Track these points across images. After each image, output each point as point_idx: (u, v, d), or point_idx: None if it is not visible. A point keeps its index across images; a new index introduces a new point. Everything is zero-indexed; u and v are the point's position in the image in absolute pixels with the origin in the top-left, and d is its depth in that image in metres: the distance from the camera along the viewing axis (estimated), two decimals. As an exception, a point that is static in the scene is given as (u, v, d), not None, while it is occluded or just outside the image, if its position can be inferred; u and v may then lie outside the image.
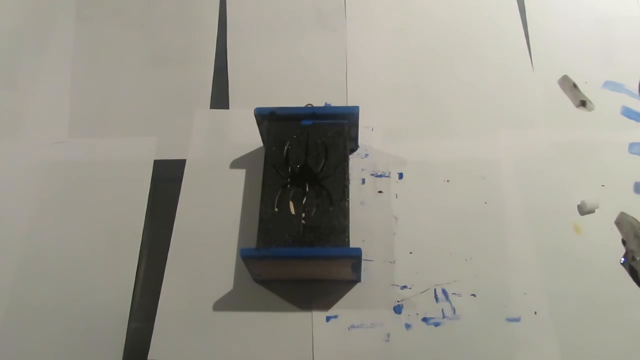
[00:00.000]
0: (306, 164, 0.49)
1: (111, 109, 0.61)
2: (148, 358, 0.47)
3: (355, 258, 0.45)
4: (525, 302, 0.49)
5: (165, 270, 0.51)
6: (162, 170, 0.57)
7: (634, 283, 0.49)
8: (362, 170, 0.56)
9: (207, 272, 0.51)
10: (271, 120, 0.52)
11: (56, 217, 0.54)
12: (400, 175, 0.56)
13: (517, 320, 0.48)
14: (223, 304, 0.49)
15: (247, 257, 0.46)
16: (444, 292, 0.50)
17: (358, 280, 0.50)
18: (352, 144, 0.56)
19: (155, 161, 0.57)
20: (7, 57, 0.66)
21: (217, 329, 0.48)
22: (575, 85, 0.61)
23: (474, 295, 0.49)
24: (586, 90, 0.61)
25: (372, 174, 0.56)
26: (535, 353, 0.47)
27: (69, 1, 0.70)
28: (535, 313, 0.49)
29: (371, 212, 0.54)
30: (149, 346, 0.47)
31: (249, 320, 0.49)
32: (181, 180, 0.55)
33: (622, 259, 0.51)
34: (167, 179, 0.56)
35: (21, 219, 0.54)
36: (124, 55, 0.65)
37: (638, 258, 0.50)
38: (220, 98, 0.62)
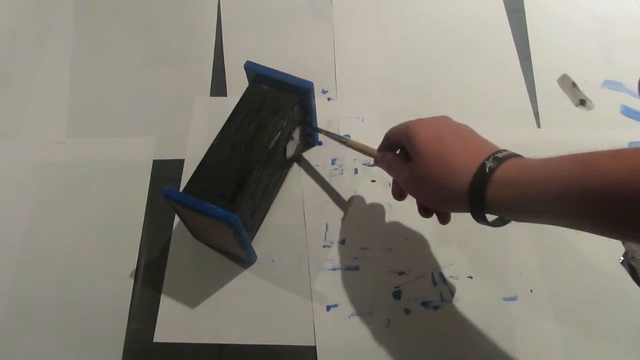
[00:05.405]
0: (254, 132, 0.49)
1: (110, 109, 0.62)
2: (154, 341, 0.48)
3: (215, 217, 0.42)
4: (521, 281, 0.50)
5: (167, 264, 0.52)
6: (161, 170, 0.57)
7: (633, 282, 0.50)
8: (355, 160, 0.57)
9: (207, 265, 0.52)
10: (254, 81, 0.52)
11: (55, 217, 0.55)
12: (393, 164, 0.57)
13: (514, 299, 0.49)
14: (223, 298, 0.50)
15: (166, 196, 0.44)
16: (441, 275, 0.50)
17: (249, 260, 0.51)
18: (308, 136, 0.57)
19: (154, 161, 0.58)
20: (5, 56, 0.67)
21: (218, 321, 0.49)
22: (574, 84, 0.62)
23: (470, 277, 0.50)
24: (586, 89, 0.61)
25: (364, 164, 0.57)
26: (533, 329, 0.48)
27: (67, 0, 0.71)
28: (532, 291, 0.49)
29: (365, 201, 0.55)
30: (149, 346, 0.48)
31: (251, 311, 0.49)
32: (180, 181, 0.56)
33: (622, 258, 0.51)
34: (166, 178, 0.56)
35: (20, 219, 0.55)
36: (122, 55, 0.66)
37: (638, 257, 0.51)
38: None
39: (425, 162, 0.39)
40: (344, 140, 0.52)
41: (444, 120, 0.42)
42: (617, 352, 0.47)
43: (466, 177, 0.36)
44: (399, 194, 0.47)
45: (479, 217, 0.38)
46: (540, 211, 0.35)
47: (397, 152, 0.46)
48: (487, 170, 0.36)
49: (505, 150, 0.38)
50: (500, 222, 0.39)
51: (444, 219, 0.45)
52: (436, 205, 0.42)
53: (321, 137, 0.58)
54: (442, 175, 0.38)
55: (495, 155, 0.37)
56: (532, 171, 0.35)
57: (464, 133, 0.41)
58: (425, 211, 0.45)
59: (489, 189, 0.35)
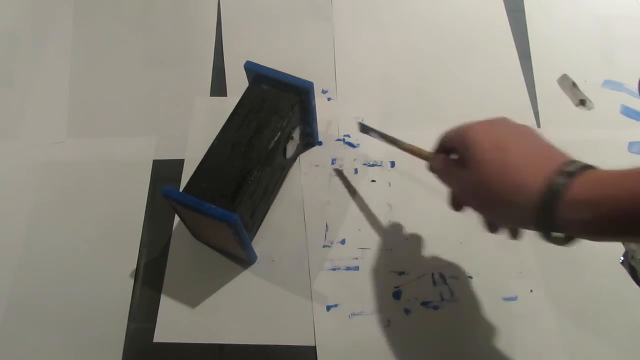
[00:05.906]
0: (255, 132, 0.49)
1: (110, 109, 0.62)
2: (154, 341, 0.48)
3: (215, 217, 0.43)
4: (521, 281, 0.50)
5: (167, 264, 0.52)
6: (161, 170, 0.57)
7: (633, 282, 0.50)
8: (354, 160, 0.57)
9: (207, 265, 0.52)
10: (254, 81, 0.52)
11: (55, 217, 0.55)
12: (392, 164, 0.57)
13: (514, 299, 0.49)
14: (223, 298, 0.50)
15: (165, 195, 0.45)
16: (441, 275, 0.50)
17: (249, 260, 0.51)
18: (307, 136, 0.57)
19: (154, 161, 0.58)
20: (5, 56, 0.67)
21: (218, 321, 0.49)
22: (574, 84, 0.61)
23: (470, 277, 0.50)
24: (586, 89, 0.61)
25: (364, 164, 0.57)
26: (533, 329, 0.48)
27: (67, 0, 0.71)
28: (532, 291, 0.49)
29: (365, 201, 0.55)
30: (149, 346, 0.48)
31: (251, 311, 0.49)
32: (180, 181, 0.56)
33: (622, 258, 0.51)
34: (166, 178, 0.56)
35: (20, 219, 0.55)
36: (122, 55, 0.66)
37: (638, 257, 0.51)
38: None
39: (485, 173, 0.36)
40: (395, 141, 0.49)
41: (504, 123, 0.39)
42: (617, 352, 0.47)
43: (533, 194, 0.33)
44: (458, 204, 0.43)
45: (547, 237, 0.35)
46: (620, 232, 0.32)
47: (452, 156, 0.43)
48: (558, 188, 0.33)
49: (574, 162, 0.34)
50: (567, 241, 0.36)
51: (514, 234, 0.42)
52: (494, 218, 0.40)
53: (321, 136, 0.58)
54: (504, 188, 0.35)
55: (565, 169, 0.33)
56: (610, 189, 0.31)
57: (527, 138, 0.38)
58: (491, 226, 0.41)
59: (560, 210, 0.32)
